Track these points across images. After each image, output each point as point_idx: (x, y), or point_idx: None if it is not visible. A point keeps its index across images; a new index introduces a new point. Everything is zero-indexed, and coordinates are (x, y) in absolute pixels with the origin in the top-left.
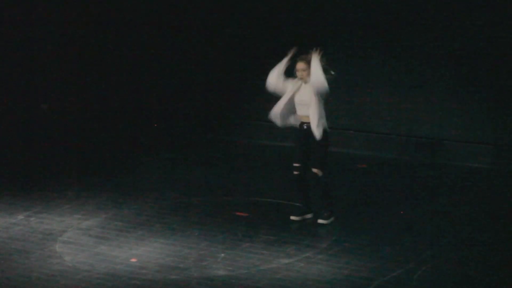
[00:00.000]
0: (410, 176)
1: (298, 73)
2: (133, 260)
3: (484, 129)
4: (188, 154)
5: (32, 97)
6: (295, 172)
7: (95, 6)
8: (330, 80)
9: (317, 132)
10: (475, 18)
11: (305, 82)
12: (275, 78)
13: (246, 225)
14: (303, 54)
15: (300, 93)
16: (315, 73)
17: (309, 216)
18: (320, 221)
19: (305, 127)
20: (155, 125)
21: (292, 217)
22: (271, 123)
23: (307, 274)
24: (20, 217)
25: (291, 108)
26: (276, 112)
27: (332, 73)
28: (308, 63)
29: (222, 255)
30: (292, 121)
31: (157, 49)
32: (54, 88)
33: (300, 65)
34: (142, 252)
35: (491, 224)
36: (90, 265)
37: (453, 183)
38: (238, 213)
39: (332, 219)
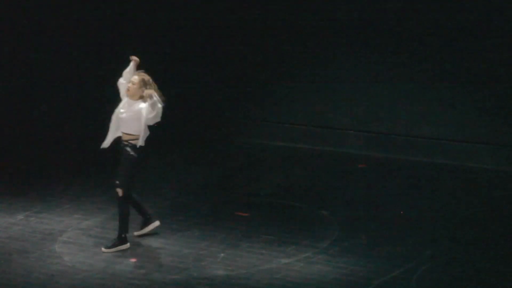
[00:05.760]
0: (410, 176)
1: (129, 84)
2: (133, 260)
3: (484, 129)
4: (188, 154)
5: (32, 98)
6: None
7: (94, 6)
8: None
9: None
10: (475, 18)
11: (130, 97)
12: (122, 83)
13: (246, 225)
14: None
15: (125, 109)
16: (157, 111)
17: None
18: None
19: (122, 144)
20: (155, 125)
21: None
22: (270, 123)
23: (307, 274)
24: (20, 217)
25: (117, 121)
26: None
27: (161, 105)
28: (142, 81)
29: (222, 255)
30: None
31: (157, 49)
32: (54, 88)
33: (133, 78)
34: (141, 252)
35: (491, 224)
36: (90, 265)
37: (453, 183)
38: (238, 213)
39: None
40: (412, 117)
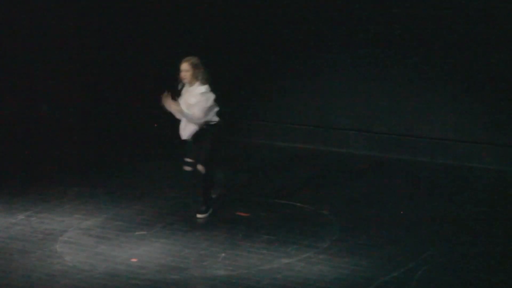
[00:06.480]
0: (410, 176)
1: (182, 74)
2: (134, 260)
3: (484, 129)
4: None
5: (32, 97)
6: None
7: (94, 6)
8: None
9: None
10: (475, 18)
11: (189, 84)
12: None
13: (246, 225)
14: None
15: (187, 96)
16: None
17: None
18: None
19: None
20: (156, 125)
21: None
22: (270, 123)
23: (308, 274)
24: (21, 217)
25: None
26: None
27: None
28: (192, 64)
29: (223, 255)
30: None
31: (158, 49)
32: (54, 88)
33: (183, 66)
34: (142, 252)
35: (491, 224)
36: (91, 265)
37: (453, 183)
38: (238, 213)
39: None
40: (412, 117)
